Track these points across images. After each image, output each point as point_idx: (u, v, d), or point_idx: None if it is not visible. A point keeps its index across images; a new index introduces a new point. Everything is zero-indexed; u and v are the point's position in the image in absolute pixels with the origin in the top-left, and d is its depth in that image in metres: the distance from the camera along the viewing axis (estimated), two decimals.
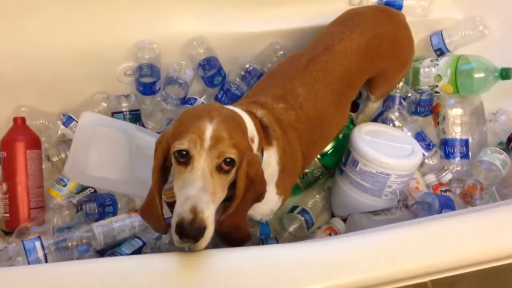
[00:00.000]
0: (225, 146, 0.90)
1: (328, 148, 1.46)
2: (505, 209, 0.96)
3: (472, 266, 0.87)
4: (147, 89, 1.49)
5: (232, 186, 0.96)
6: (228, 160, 0.91)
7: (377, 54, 1.31)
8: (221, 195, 0.93)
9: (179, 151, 0.90)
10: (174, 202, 1.12)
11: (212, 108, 0.95)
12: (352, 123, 1.52)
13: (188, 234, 0.85)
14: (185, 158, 0.90)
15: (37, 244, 1.12)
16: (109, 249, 1.22)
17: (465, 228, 0.90)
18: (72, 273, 0.87)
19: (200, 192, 0.87)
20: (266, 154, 1.08)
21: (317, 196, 1.49)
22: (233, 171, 0.93)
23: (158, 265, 0.88)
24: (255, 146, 1.02)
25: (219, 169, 0.91)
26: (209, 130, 0.90)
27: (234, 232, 1.04)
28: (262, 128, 1.07)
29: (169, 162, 0.97)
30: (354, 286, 0.79)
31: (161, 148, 0.96)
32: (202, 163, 0.89)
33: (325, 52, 1.24)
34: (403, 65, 1.42)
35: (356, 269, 0.83)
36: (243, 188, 0.95)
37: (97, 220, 1.26)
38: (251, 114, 1.07)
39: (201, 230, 0.86)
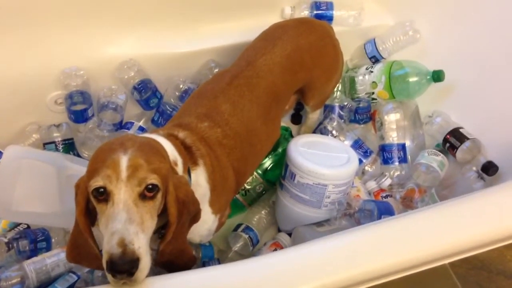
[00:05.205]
0: (144, 172, 0.87)
1: (269, 163, 1.45)
2: (429, 212, 0.96)
3: (396, 273, 0.86)
4: (79, 117, 1.45)
5: (166, 212, 0.93)
6: (150, 186, 0.88)
7: (299, 65, 1.31)
8: (151, 223, 0.90)
9: (96, 189, 0.87)
10: None
11: (125, 139, 0.93)
12: (291, 136, 1.51)
13: (121, 269, 0.82)
14: (104, 195, 0.87)
15: None
16: (45, 287, 1.17)
17: (388, 234, 0.90)
18: None
19: (125, 224, 0.84)
20: (193, 174, 1.05)
21: (262, 212, 1.47)
22: (159, 196, 0.90)
23: None
24: (179, 169, 1.00)
25: (142, 197, 0.88)
26: (124, 160, 0.87)
27: (178, 258, 1.00)
28: (186, 149, 1.05)
29: (92, 204, 0.93)
30: None
31: (81, 191, 0.92)
32: (123, 195, 0.86)
33: (249, 68, 1.24)
34: (329, 74, 1.42)
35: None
36: (175, 213, 0.93)
37: (30, 257, 1.20)
38: (172, 137, 1.05)
39: (134, 262, 0.82)
